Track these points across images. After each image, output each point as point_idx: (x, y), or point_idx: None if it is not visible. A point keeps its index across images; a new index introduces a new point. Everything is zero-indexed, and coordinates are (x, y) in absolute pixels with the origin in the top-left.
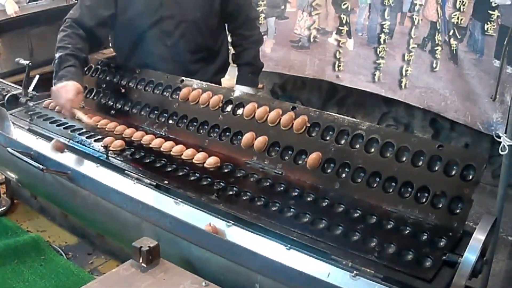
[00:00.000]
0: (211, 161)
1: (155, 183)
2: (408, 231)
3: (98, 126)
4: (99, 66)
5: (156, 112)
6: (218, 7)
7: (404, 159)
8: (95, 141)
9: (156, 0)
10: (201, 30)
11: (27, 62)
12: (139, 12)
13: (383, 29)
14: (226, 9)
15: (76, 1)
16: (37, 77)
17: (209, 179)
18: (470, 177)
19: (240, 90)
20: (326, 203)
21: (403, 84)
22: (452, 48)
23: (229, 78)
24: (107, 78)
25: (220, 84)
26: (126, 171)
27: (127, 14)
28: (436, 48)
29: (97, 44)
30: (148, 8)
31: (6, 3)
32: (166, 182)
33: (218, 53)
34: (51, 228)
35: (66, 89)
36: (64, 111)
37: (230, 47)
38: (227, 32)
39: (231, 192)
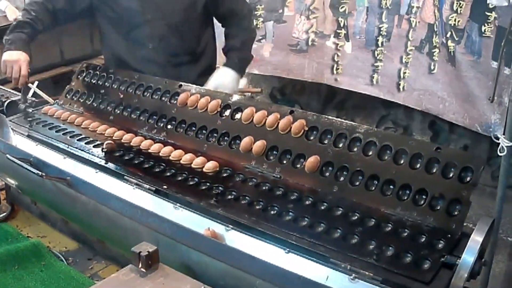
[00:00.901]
0: (210, 166)
1: (154, 188)
2: (406, 233)
3: (98, 132)
4: (98, 72)
5: (154, 117)
6: (201, 11)
7: (402, 161)
8: (94, 146)
9: (137, 4)
10: (183, 34)
11: None
12: (122, 15)
13: (381, 32)
14: (218, 13)
15: None
16: (36, 83)
17: (208, 184)
18: (468, 179)
19: (222, 73)
20: (325, 207)
21: (401, 87)
22: (449, 50)
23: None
24: (106, 83)
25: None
26: (125, 177)
27: (111, 17)
28: (433, 50)
29: (57, 24)
30: (130, 12)
31: (7, 9)
32: (165, 187)
33: (201, 56)
34: (51, 233)
35: (19, 63)
36: (17, 83)
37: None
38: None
39: (230, 197)
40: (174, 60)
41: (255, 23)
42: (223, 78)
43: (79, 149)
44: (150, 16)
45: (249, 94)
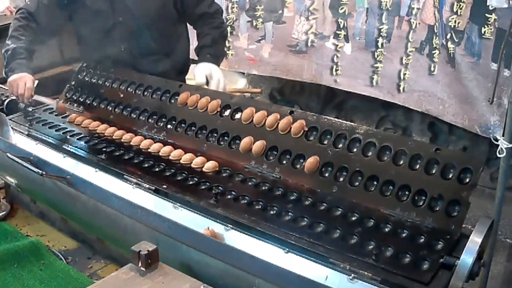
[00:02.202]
0: (210, 166)
1: (154, 188)
2: (405, 234)
3: (98, 131)
4: (98, 71)
5: (154, 117)
6: (170, 10)
7: (401, 162)
8: (93, 145)
9: (108, 6)
10: (154, 34)
11: None
12: (93, 19)
13: (381, 33)
14: (187, 17)
15: None
16: (36, 82)
17: (208, 184)
18: (467, 180)
19: (199, 68)
20: (324, 207)
21: (401, 88)
22: (449, 51)
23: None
24: (106, 83)
25: (183, 81)
26: (125, 176)
27: (83, 19)
28: (434, 51)
29: (46, 39)
30: (100, 15)
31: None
32: (165, 186)
33: (173, 54)
34: (50, 232)
35: (24, 80)
36: (23, 98)
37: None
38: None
39: (229, 196)
40: (146, 60)
41: (255, 23)
42: (202, 67)
43: (79, 148)
44: (121, 18)
45: (249, 94)
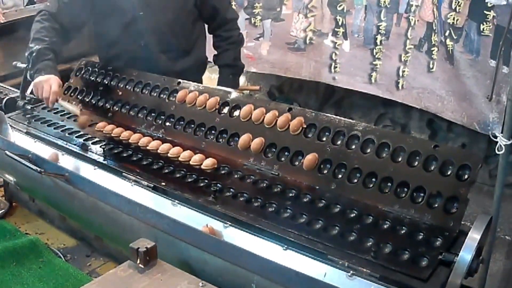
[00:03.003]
0: (208, 163)
1: (152, 185)
2: (404, 231)
3: (96, 129)
4: (97, 69)
5: (153, 114)
6: (191, 8)
7: (400, 159)
8: (92, 143)
9: (130, 1)
10: (174, 30)
11: (24, 65)
12: (113, 13)
13: (379, 30)
14: (202, 11)
15: None
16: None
17: (206, 181)
18: (466, 176)
19: None
20: (323, 204)
21: (400, 85)
22: (448, 48)
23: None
24: (105, 80)
25: (200, 82)
26: (123, 173)
27: (103, 14)
28: (432, 48)
29: (68, 38)
30: (120, 9)
31: None
32: (163, 184)
33: (192, 52)
34: (49, 230)
35: (49, 83)
36: (48, 102)
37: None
38: (208, 33)
39: (228, 194)
40: (166, 56)
41: (253, 21)
42: None
43: (78, 146)
44: (141, 12)
45: (248, 92)
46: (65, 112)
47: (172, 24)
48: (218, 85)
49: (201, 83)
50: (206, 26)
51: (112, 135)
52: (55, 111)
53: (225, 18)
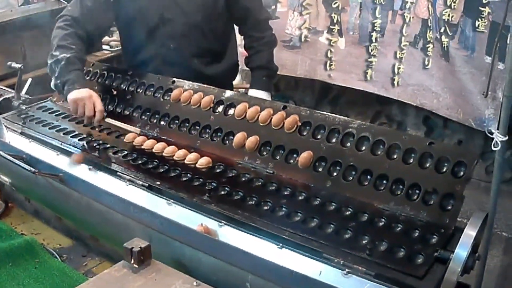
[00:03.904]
0: (203, 162)
1: (147, 184)
2: (399, 228)
3: (91, 128)
4: (91, 69)
5: (148, 113)
6: (222, 10)
7: (395, 156)
8: (87, 143)
9: (157, 3)
10: (204, 33)
11: (19, 65)
12: (141, 15)
13: (375, 28)
14: (234, 11)
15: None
16: (29, 80)
17: (201, 180)
18: (461, 173)
19: (254, 95)
20: (318, 202)
21: (395, 82)
22: (443, 45)
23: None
24: (99, 80)
25: (231, 87)
26: (118, 173)
27: (130, 17)
28: (427, 45)
29: (91, 45)
30: (150, 11)
31: None
32: (158, 183)
33: (224, 56)
34: (45, 231)
35: (92, 100)
36: (90, 120)
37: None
38: (239, 34)
39: (223, 192)
40: (196, 60)
41: None
42: (256, 95)
43: (73, 146)
44: (171, 15)
45: (243, 90)
46: (60, 112)
47: (203, 26)
48: (251, 88)
49: (232, 88)
50: (236, 28)
51: (107, 134)
52: (49, 111)
53: (258, 19)
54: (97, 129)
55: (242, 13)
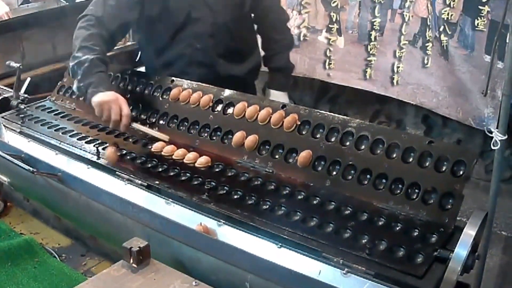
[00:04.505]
0: (202, 161)
1: (146, 184)
2: (399, 227)
3: (90, 128)
4: None
5: (147, 112)
6: (248, 9)
7: (394, 155)
8: (86, 143)
9: (185, 2)
10: (231, 33)
11: (18, 65)
12: (168, 14)
13: (374, 26)
14: (255, 12)
15: (66, 3)
16: (28, 79)
17: (200, 179)
18: (461, 172)
19: (273, 95)
20: (317, 201)
21: (395, 81)
22: (442, 44)
23: None
24: (75, 77)
25: (253, 87)
26: (117, 172)
27: (155, 16)
28: (427, 44)
29: (114, 45)
30: (177, 10)
31: None
32: (157, 182)
33: (249, 56)
34: (44, 230)
35: (118, 103)
36: (115, 125)
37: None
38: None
39: (222, 192)
40: (221, 60)
41: None
42: (277, 97)
43: (71, 145)
44: (198, 14)
45: None
46: (58, 111)
47: (230, 26)
48: (269, 88)
49: (255, 89)
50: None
51: (106, 133)
52: (48, 111)
53: (278, 20)
54: (96, 129)
55: (262, 13)
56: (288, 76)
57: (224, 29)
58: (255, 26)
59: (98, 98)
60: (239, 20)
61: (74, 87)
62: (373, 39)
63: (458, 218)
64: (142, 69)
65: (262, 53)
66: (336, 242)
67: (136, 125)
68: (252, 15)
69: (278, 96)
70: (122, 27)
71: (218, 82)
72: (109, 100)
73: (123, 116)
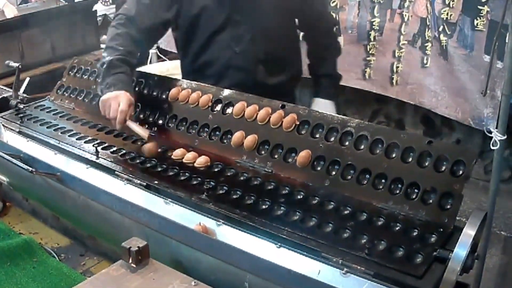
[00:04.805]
0: (201, 161)
1: (145, 184)
2: (398, 227)
3: (89, 127)
4: (89, 67)
5: (145, 112)
6: (293, 15)
7: (393, 155)
8: (85, 142)
9: (225, 3)
10: (273, 38)
11: (17, 64)
12: (206, 15)
13: (373, 26)
14: (301, 17)
15: (65, 2)
16: (27, 79)
17: (199, 179)
18: (460, 172)
19: (319, 104)
20: (316, 201)
21: (394, 81)
22: (442, 44)
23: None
24: (97, 79)
25: (293, 96)
26: (116, 172)
27: (193, 16)
28: (426, 44)
29: (145, 48)
30: (217, 11)
31: (4, 7)
32: (156, 182)
33: (290, 64)
34: (43, 230)
35: (118, 100)
36: (115, 123)
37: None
38: (302, 40)
39: (221, 191)
40: (263, 67)
41: None
42: (324, 106)
43: (70, 145)
44: (238, 17)
45: None
46: (58, 111)
47: (274, 31)
48: (316, 96)
49: (294, 99)
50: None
51: (105, 133)
52: (47, 110)
53: (325, 25)
54: (95, 128)
55: (309, 19)
56: (336, 84)
57: (265, 34)
58: (301, 32)
59: (104, 96)
60: (282, 25)
61: (98, 89)
62: (372, 39)
63: (457, 218)
64: (141, 68)
65: (308, 60)
66: (335, 242)
67: (129, 122)
68: (297, 20)
69: (325, 105)
70: (156, 27)
71: (256, 89)
72: (109, 97)
73: (118, 112)
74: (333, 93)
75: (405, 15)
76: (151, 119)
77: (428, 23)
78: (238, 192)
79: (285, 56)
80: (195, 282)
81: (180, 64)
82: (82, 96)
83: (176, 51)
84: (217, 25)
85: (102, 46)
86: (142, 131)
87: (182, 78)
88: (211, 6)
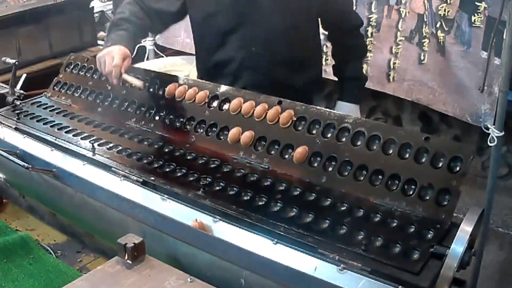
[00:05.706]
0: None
1: (141, 180)
2: (395, 223)
3: (85, 124)
4: (86, 64)
5: (142, 108)
6: (313, 14)
7: (390, 151)
8: (81, 139)
9: (241, 1)
10: (292, 39)
11: (14, 61)
12: (221, 11)
13: (370, 22)
14: (325, 16)
15: None
16: (24, 76)
17: (196, 175)
18: (457, 168)
19: (343, 108)
20: (313, 197)
21: (391, 77)
22: (439, 40)
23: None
24: (94, 75)
25: (311, 99)
26: (112, 168)
27: (206, 12)
28: (423, 40)
29: (156, 27)
30: (232, 8)
31: None
32: (152, 178)
33: (310, 65)
34: (40, 227)
35: (111, 55)
36: (110, 78)
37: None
38: (326, 41)
39: (217, 188)
40: (281, 67)
41: None
42: (347, 110)
43: (67, 141)
44: (253, 16)
45: None
46: (54, 108)
47: (290, 31)
48: (339, 100)
49: (312, 103)
50: (324, 34)
51: (101, 129)
52: (44, 107)
53: (350, 25)
54: (91, 125)
55: (333, 19)
56: (362, 87)
57: (283, 34)
58: (325, 32)
59: (98, 54)
60: (302, 25)
61: None
62: (369, 35)
63: (454, 215)
64: (138, 65)
65: (332, 61)
66: (332, 238)
67: (124, 76)
68: (319, 19)
69: (349, 108)
70: (167, 11)
71: (273, 90)
72: (104, 53)
73: (113, 67)
74: (357, 97)
75: (403, 11)
76: (147, 115)
77: (425, 19)
78: (234, 188)
79: (304, 56)
80: (191, 279)
81: (195, 61)
82: (78, 93)
83: (173, 48)
84: (231, 23)
85: (99, 42)
86: (138, 82)
87: (198, 77)
88: (226, 2)
